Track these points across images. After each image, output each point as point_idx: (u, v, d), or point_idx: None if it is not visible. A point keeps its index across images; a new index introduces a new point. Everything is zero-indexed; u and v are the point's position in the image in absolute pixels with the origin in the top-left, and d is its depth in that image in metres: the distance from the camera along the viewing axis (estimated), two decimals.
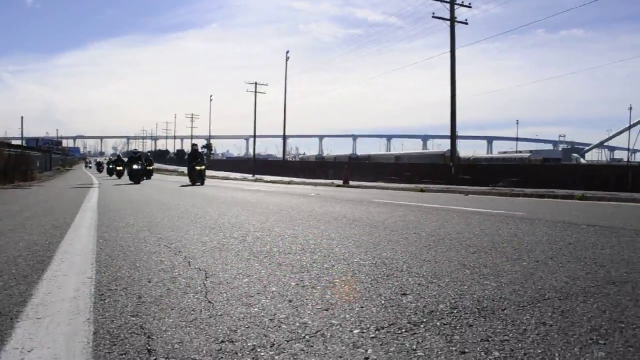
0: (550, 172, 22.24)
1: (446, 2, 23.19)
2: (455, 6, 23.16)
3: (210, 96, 66.89)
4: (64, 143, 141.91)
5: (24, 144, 56.06)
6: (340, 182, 22.02)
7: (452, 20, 22.97)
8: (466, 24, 23.63)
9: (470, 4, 23.48)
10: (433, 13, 23.31)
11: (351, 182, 21.34)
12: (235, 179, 31.39)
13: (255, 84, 48.75)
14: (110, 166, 35.04)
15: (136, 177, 21.45)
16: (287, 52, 42.15)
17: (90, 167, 67.77)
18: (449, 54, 23.17)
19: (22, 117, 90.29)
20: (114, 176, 30.71)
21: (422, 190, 15.79)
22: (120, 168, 30.00)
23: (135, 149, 26.67)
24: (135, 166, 21.65)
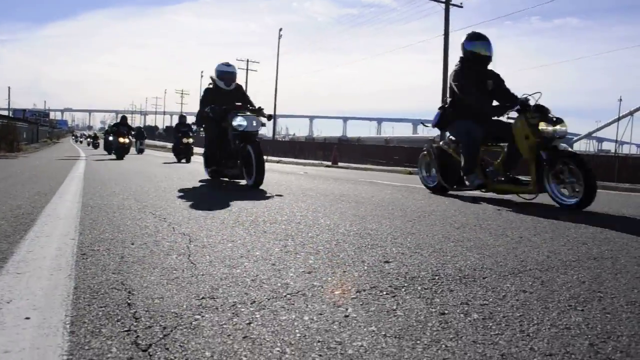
0: None
1: None
2: None
3: (201, 72, 66.33)
4: (52, 115, 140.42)
5: (10, 115, 55.37)
6: (329, 162, 22.04)
7: (447, 2, 22.88)
8: (461, 7, 23.56)
9: None
10: None
11: (340, 163, 21.36)
12: None
13: (247, 61, 48.44)
14: (110, 138, 20.88)
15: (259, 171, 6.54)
16: (280, 29, 41.84)
17: (80, 142, 57.41)
18: (442, 38, 23.11)
19: (9, 88, 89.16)
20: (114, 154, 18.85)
21: (410, 173, 15.84)
22: (126, 141, 18.85)
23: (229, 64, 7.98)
24: (239, 120, 6.94)
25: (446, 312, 1.68)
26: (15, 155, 20.15)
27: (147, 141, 33.02)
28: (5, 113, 63.87)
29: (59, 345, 1.35)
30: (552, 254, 2.73)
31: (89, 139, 41.82)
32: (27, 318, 1.54)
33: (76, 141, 61.68)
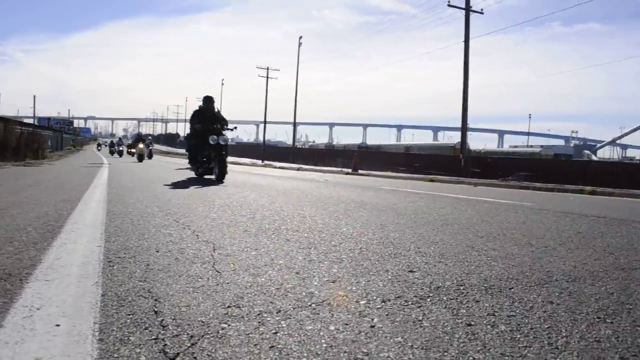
0: (561, 167, 22.10)
1: None
2: None
3: (222, 80, 66.87)
4: (76, 123, 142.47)
5: (35, 123, 56.37)
6: (349, 170, 22.02)
7: (468, 9, 22.74)
8: (482, 13, 23.39)
9: None
10: (448, 1, 23.10)
11: (360, 171, 21.31)
12: (244, 164, 31.41)
13: (267, 69, 48.63)
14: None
15: None
16: (300, 37, 41.92)
17: (117, 152, 34.78)
18: (461, 45, 22.94)
19: (34, 96, 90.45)
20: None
21: (431, 180, 15.76)
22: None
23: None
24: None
25: (473, 323, 1.67)
26: (40, 162, 20.48)
27: (165, 148, 32.01)
28: (31, 121, 64.97)
29: (89, 353, 1.37)
30: (579, 264, 2.69)
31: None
32: (57, 325, 1.56)
33: (111, 151, 37.86)
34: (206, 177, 10.28)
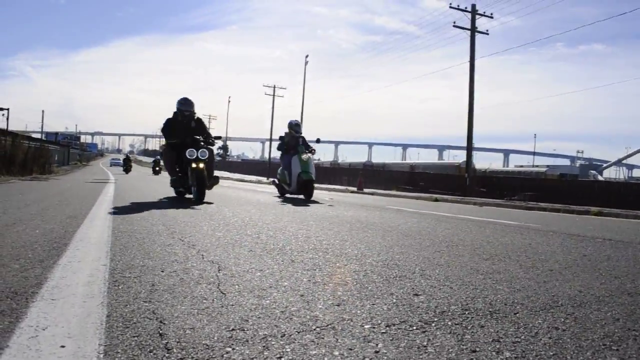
0: (567, 187, 22.05)
1: (467, 12, 23.15)
2: (477, 16, 23.10)
3: (229, 98, 67.29)
4: (83, 139, 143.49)
5: (43, 138, 56.74)
6: (355, 188, 22.03)
7: (473, 30, 22.91)
8: (487, 34, 23.57)
9: (492, 14, 23.42)
10: (454, 22, 23.29)
11: (365, 190, 21.33)
12: (250, 181, 31.47)
13: (274, 87, 48.98)
14: None
15: None
16: (307, 56, 42.25)
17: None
18: (467, 65, 23.09)
19: (42, 111, 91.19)
20: None
21: (436, 200, 15.75)
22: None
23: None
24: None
25: (477, 349, 1.66)
26: (47, 177, 20.58)
27: None
28: (39, 136, 65.43)
29: None
30: (585, 288, 2.68)
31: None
32: (62, 346, 1.56)
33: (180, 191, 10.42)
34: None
